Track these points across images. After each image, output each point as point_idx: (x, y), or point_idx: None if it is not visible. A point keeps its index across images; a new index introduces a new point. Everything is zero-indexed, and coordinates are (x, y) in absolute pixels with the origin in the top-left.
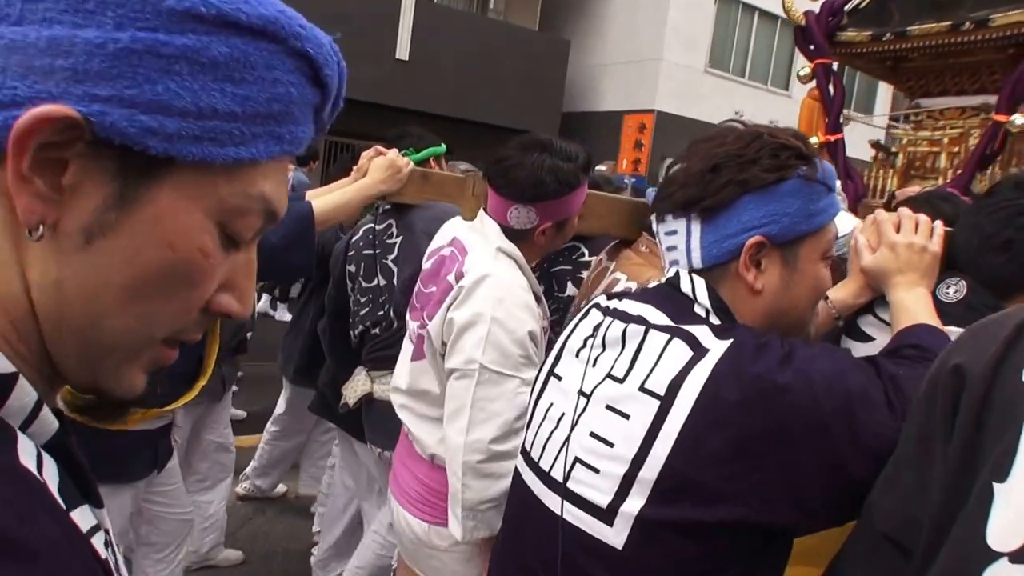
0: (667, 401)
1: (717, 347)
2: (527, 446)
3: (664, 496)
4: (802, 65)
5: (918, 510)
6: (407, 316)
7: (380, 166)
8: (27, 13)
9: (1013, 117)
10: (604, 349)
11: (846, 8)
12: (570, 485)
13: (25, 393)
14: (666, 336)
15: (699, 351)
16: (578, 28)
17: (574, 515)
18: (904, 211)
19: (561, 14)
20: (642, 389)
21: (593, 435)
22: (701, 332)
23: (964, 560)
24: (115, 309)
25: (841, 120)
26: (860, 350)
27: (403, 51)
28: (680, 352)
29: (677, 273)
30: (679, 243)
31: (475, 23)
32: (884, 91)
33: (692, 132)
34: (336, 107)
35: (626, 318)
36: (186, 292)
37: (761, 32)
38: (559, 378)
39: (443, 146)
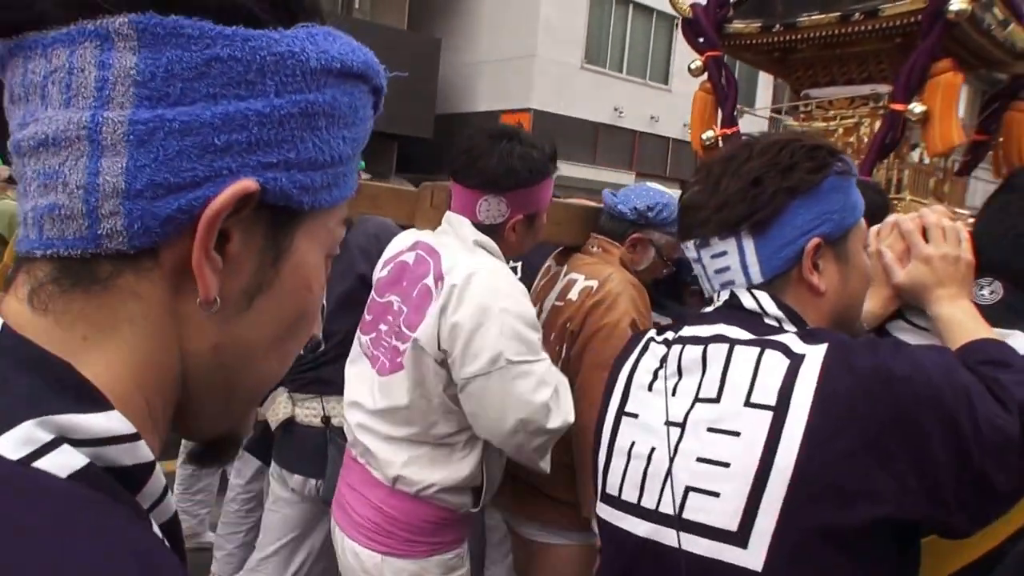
0: (780, 409)
1: (813, 351)
2: (612, 492)
3: (799, 506)
4: (692, 59)
5: None
6: (358, 331)
7: None
8: (189, 92)
9: (911, 106)
10: (681, 376)
11: (731, 0)
12: (686, 516)
13: (157, 481)
14: (756, 349)
15: (795, 357)
16: (449, 27)
17: (697, 545)
18: (928, 217)
19: (430, 13)
20: (748, 404)
21: (701, 460)
22: (789, 339)
23: None
24: (263, 357)
25: (737, 113)
26: None
27: None
28: (777, 361)
29: (733, 293)
30: (731, 263)
31: (339, 25)
32: (763, 86)
33: (571, 130)
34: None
35: (700, 341)
36: (311, 327)
37: (637, 26)
38: (634, 416)
39: (362, 162)
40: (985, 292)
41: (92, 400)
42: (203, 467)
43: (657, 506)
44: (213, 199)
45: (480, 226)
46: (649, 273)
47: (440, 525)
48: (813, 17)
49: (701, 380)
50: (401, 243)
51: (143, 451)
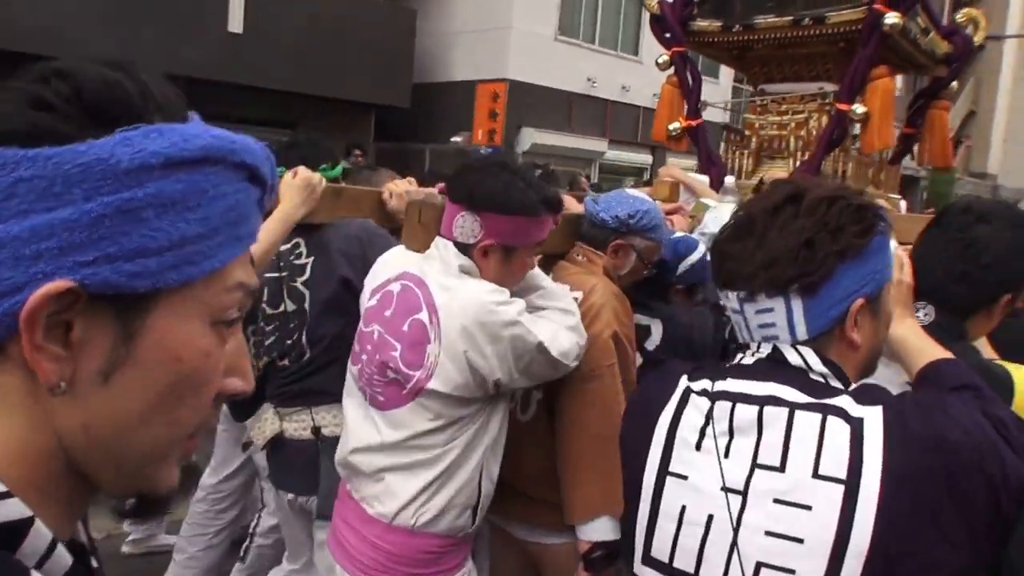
0: (852, 483)
1: (871, 415)
2: (660, 557)
3: (881, 566)
4: (660, 53)
5: None
6: (349, 362)
7: (296, 187)
8: (3, 211)
9: (854, 106)
10: (732, 436)
11: (696, 0)
12: None
13: (39, 536)
14: (818, 415)
15: (854, 422)
16: None
17: None
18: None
19: None
20: (817, 476)
21: (771, 534)
22: (845, 403)
23: None
24: (142, 427)
25: (701, 106)
26: None
27: (236, 24)
28: (840, 429)
29: (776, 348)
30: (777, 320)
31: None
32: (723, 79)
33: (546, 100)
34: (273, 192)
35: (752, 400)
36: (200, 392)
37: None
38: (682, 477)
39: (336, 168)
40: (920, 314)
41: None
42: (133, 522)
43: None
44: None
45: (458, 245)
46: (630, 276)
47: (440, 554)
48: (768, 19)
49: (758, 443)
50: (388, 270)
51: (13, 509)
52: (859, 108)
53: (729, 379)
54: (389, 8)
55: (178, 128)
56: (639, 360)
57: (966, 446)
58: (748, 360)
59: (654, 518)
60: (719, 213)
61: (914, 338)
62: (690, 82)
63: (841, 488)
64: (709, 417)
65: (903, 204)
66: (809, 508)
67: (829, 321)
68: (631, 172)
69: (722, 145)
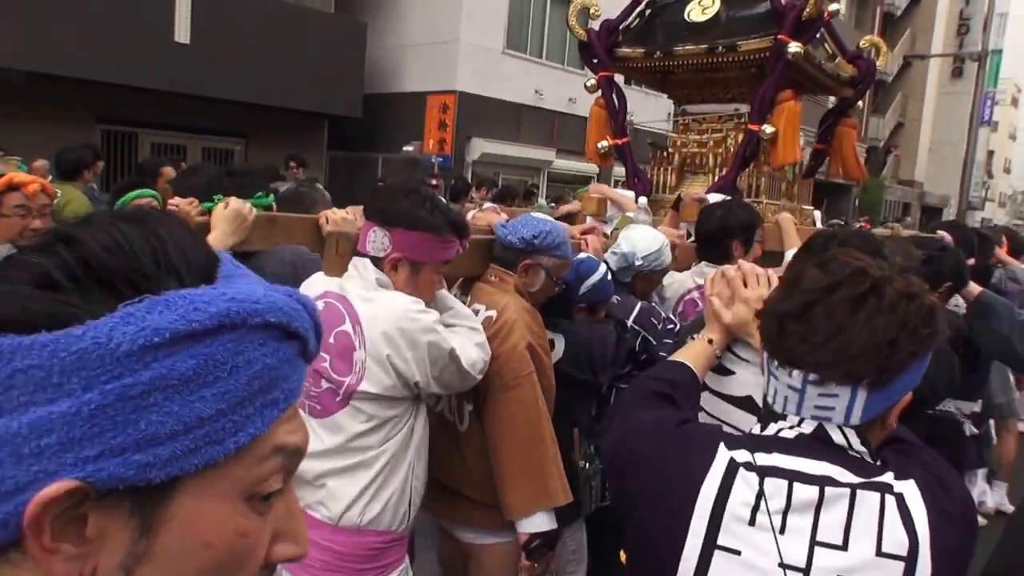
0: (911, 560)
1: (908, 489)
2: None
3: None
4: (588, 76)
5: None
6: None
7: (226, 218)
8: (3, 404)
9: (763, 127)
10: (788, 513)
11: (621, 27)
12: None
13: None
14: (876, 495)
15: (899, 498)
16: (375, 10)
17: None
18: (746, 266)
19: None
20: (880, 554)
21: None
22: (888, 479)
23: None
24: None
25: (627, 125)
26: (722, 383)
27: (182, 34)
28: (893, 508)
29: (823, 427)
30: (838, 405)
31: (263, 5)
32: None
33: (495, 112)
34: (320, 336)
35: (809, 479)
36: (241, 570)
37: (555, 15)
38: (734, 552)
39: (271, 196)
40: None
41: None
42: None
43: None
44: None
45: (372, 260)
46: (542, 293)
47: (382, 550)
48: (686, 47)
49: (816, 522)
50: (311, 292)
51: None
52: (768, 128)
53: (775, 453)
54: (340, 21)
55: (189, 296)
56: None
57: (973, 515)
58: (788, 434)
59: None
60: (631, 233)
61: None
62: (616, 104)
63: (902, 565)
64: (761, 493)
65: (817, 214)
66: None
67: (881, 411)
68: (578, 180)
69: (650, 161)
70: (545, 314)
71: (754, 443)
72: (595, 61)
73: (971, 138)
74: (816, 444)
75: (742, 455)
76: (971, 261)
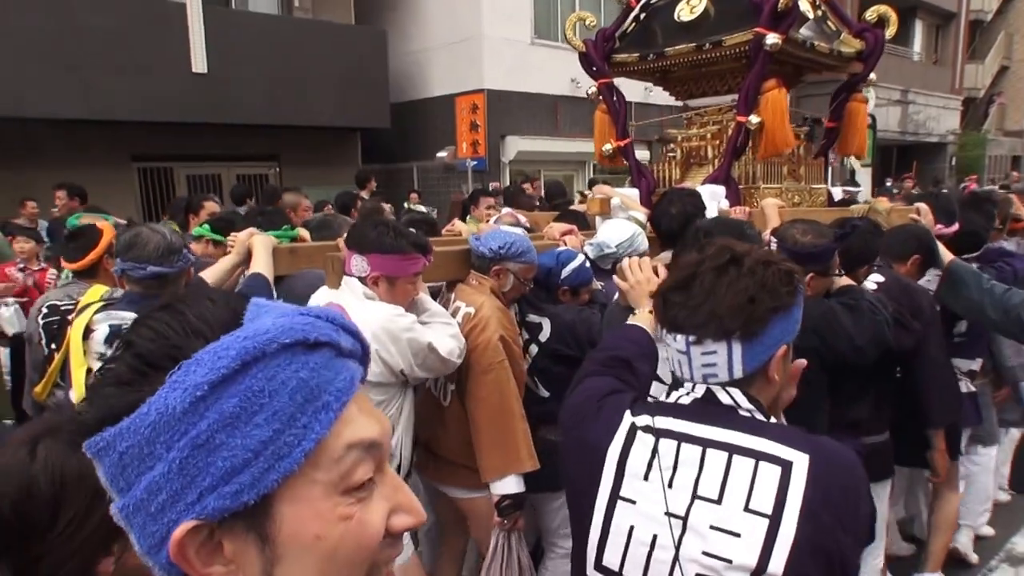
0: (774, 518)
1: (799, 459)
2: (611, 567)
3: None
4: (589, 86)
5: None
6: None
7: (266, 246)
8: (128, 481)
9: (750, 117)
10: (676, 470)
11: (616, 34)
12: None
13: None
14: (751, 461)
15: (785, 465)
16: (395, 17)
17: None
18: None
19: (376, 5)
20: (747, 510)
21: (707, 554)
22: (777, 448)
23: None
24: None
25: (629, 127)
26: None
27: (199, 63)
28: (771, 472)
29: (710, 390)
30: (719, 361)
31: (279, 25)
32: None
33: (528, 106)
34: (349, 331)
35: (695, 441)
36: (361, 549)
37: None
38: (631, 501)
39: (295, 230)
40: None
41: None
42: None
43: None
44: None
45: (359, 279)
46: (514, 292)
47: None
48: (677, 47)
49: (698, 478)
50: (320, 301)
51: None
52: (754, 118)
53: (671, 418)
54: (358, 32)
55: (213, 348)
56: (535, 350)
57: (864, 488)
58: (685, 400)
59: (606, 534)
60: (605, 226)
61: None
62: (616, 108)
63: (766, 521)
64: (655, 452)
65: (836, 190)
66: (739, 535)
67: (760, 363)
68: (627, 171)
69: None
70: (532, 301)
71: (657, 409)
72: (594, 70)
73: None
74: (707, 408)
75: (643, 420)
76: (954, 228)
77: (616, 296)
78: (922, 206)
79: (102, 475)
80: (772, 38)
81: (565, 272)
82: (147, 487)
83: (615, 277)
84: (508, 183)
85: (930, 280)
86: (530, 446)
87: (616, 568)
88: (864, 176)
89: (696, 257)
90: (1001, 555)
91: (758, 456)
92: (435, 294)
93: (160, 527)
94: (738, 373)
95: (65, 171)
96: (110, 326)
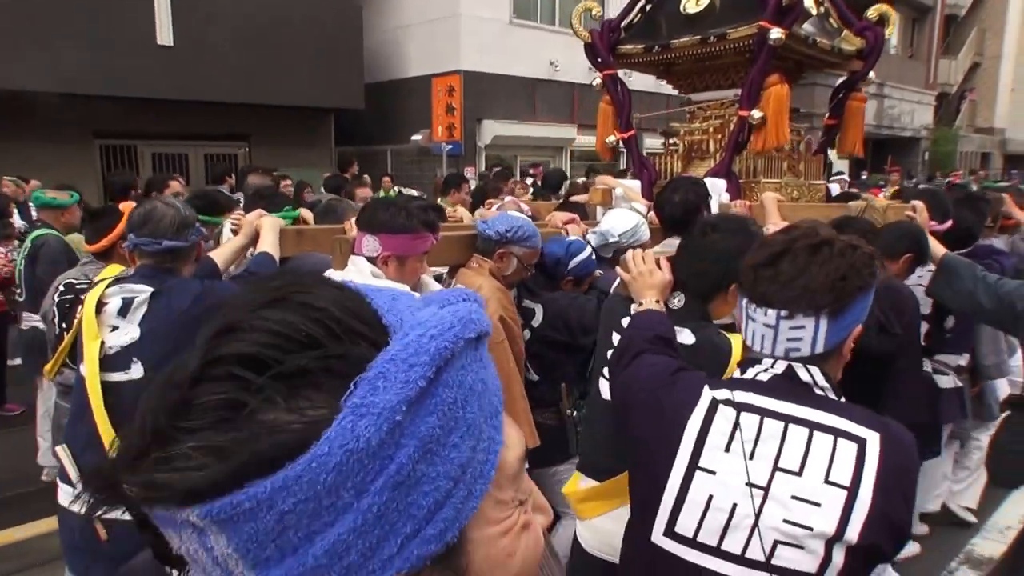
0: (852, 490)
1: (872, 437)
2: (685, 533)
3: (858, 552)
4: (594, 77)
5: None
6: None
7: (273, 228)
8: (286, 546)
9: (752, 112)
10: (758, 443)
11: (622, 25)
12: (775, 562)
13: None
14: (831, 437)
15: (860, 442)
16: None
17: None
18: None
19: None
20: (827, 482)
21: (788, 522)
22: (853, 427)
23: None
24: None
25: (632, 119)
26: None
27: (165, 36)
28: (848, 448)
29: (791, 367)
30: (805, 336)
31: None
32: None
33: (506, 89)
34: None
35: (777, 416)
36: (537, 553)
37: None
38: (711, 472)
39: (295, 211)
40: (675, 300)
41: None
42: None
43: (743, 552)
44: None
45: (368, 259)
46: (515, 276)
47: None
48: (682, 40)
49: (779, 451)
50: None
51: None
52: (756, 113)
53: (751, 393)
54: (333, 6)
55: (395, 356)
56: (528, 335)
57: (912, 484)
58: (764, 376)
59: (680, 502)
60: (609, 215)
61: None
62: (620, 99)
63: (844, 493)
64: (737, 425)
65: (834, 186)
66: (819, 505)
67: (840, 340)
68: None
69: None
70: (530, 286)
71: (735, 384)
72: (599, 61)
73: None
74: (786, 384)
75: (723, 394)
76: (947, 225)
77: (615, 285)
78: (918, 203)
79: (223, 546)
80: (776, 32)
81: (573, 262)
82: (328, 550)
83: (618, 268)
84: (484, 167)
85: (921, 276)
86: (531, 423)
87: (690, 535)
88: (841, 168)
89: (784, 237)
90: (961, 557)
91: (836, 433)
92: (438, 280)
93: None
94: (820, 348)
95: (24, 146)
96: (123, 299)
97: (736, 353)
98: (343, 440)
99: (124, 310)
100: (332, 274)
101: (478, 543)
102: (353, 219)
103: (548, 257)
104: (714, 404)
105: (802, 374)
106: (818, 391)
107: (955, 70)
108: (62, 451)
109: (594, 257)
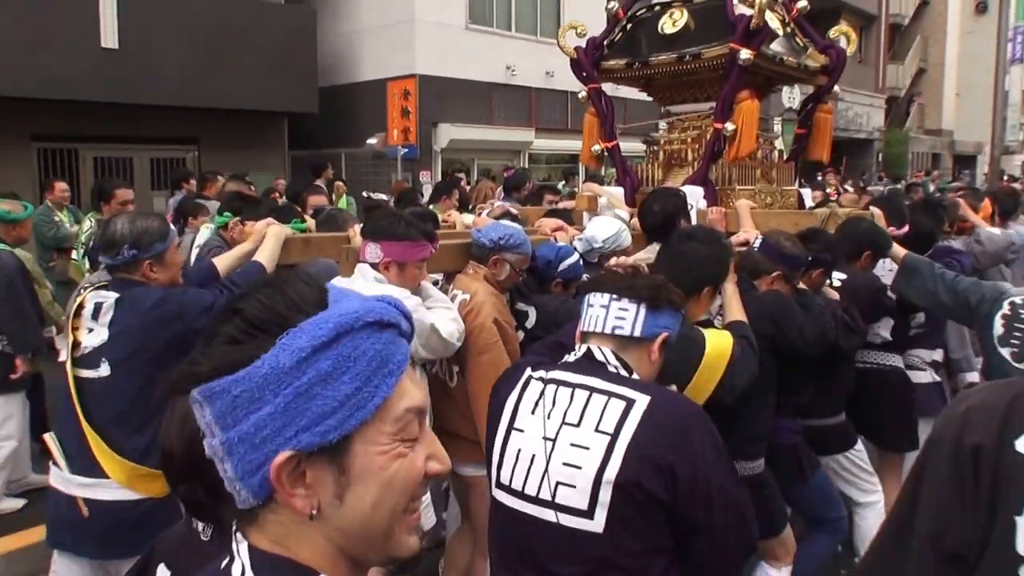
0: (614, 436)
1: (641, 399)
2: (505, 482)
3: (621, 490)
4: (580, 89)
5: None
6: None
7: (277, 237)
8: (237, 418)
9: (726, 124)
10: (554, 406)
11: (605, 42)
12: (558, 501)
13: None
14: (605, 397)
15: (629, 401)
16: None
17: (566, 519)
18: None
19: None
20: (596, 430)
21: (565, 464)
22: (626, 391)
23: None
24: (376, 516)
25: (615, 130)
26: None
27: (109, 38)
28: (617, 405)
29: (589, 349)
30: (628, 317)
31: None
32: None
33: (462, 93)
34: (409, 319)
35: (568, 385)
36: (409, 481)
37: None
38: (520, 431)
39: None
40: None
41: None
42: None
43: (538, 494)
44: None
45: (372, 265)
46: (509, 281)
47: None
48: (659, 57)
49: (567, 409)
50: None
51: None
52: (729, 126)
53: (558, 371)
54: (286, 10)
55: (314, 321)
56: (522, 336)
57: (695, 427)
58: (571, 358)
59: (503, 458)
60: (592, 223)
61: None
62: (605, 111)
63: (607, 438)
64: (542, 394)
65: (807, 192)
66: (588, 448)
67: (651, 335)
68: (562, 160)
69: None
70: (522, 290)
71: (551, 366)
72: (584, 75)
73: (999, 78)
74: (586, 363)
75: (539, 372)
76: (904, 230)
77: None
78: (875, 210)
79: (208, 415)
80: (745, 53)
81: (562, 266)
82: (255, 423)
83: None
84: (440, 172)
85: (892, 270)
86: None
87: (507, 483)
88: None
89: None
90: None
91: (611, 395)
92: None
93: (260, 455)
94: (637, 332)
95: None
96: (95, 303)
97: (710, 343)
98: (271, 361)
99: (96, 314)
100: (338, 282)
101: (358, 453)
102: (357, 227)
103: (539, 259)
104: (528, 379)
105: (597, 355)
106: (611, 368)
107: (902, 75)
108: (49, 438)
109: (581, 263)
